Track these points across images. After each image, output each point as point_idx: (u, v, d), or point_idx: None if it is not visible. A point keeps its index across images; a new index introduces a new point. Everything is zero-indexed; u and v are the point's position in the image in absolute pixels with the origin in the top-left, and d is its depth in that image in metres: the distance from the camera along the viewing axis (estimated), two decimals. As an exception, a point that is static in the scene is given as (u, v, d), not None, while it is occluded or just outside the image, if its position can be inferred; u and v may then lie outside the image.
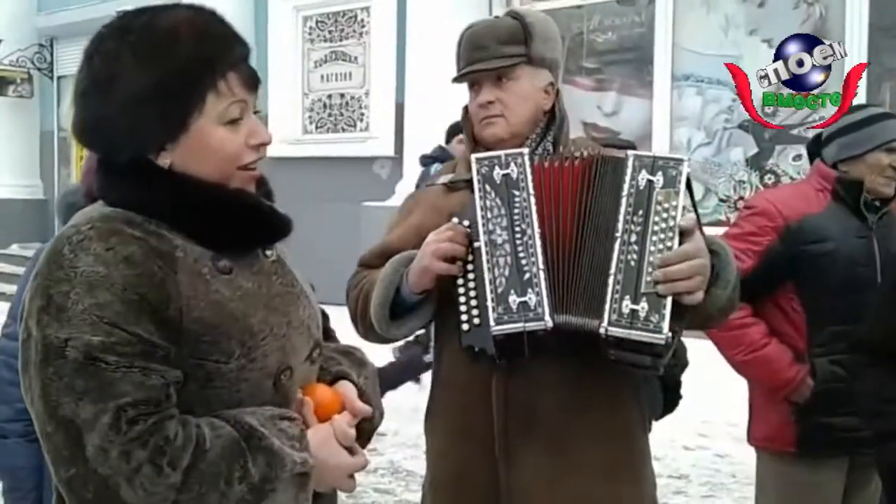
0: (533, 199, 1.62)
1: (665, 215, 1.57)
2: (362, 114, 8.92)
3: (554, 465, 1.70)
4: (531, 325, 1.53)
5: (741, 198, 6.79)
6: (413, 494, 4.02)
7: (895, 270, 1.96)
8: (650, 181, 1.60)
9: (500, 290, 1.55)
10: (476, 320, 1.58)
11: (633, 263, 1.54)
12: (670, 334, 1.49)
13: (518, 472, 1.70)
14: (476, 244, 1.60)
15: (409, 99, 8.09)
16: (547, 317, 1.53)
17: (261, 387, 1.23)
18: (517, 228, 1.60)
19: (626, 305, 1.51)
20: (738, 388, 2.60)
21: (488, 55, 1.80)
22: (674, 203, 1.58)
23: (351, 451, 1.31)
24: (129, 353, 1.10)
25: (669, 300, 1.51)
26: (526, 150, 1.68)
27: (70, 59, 12.98)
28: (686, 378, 2.13)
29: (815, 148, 2.48)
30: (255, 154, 1.26)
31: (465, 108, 1.90)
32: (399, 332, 1.76)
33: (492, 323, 1.53)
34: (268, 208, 1.30)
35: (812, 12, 6.56)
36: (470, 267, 1.61)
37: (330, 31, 9.14)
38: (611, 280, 1.54)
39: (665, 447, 4.39)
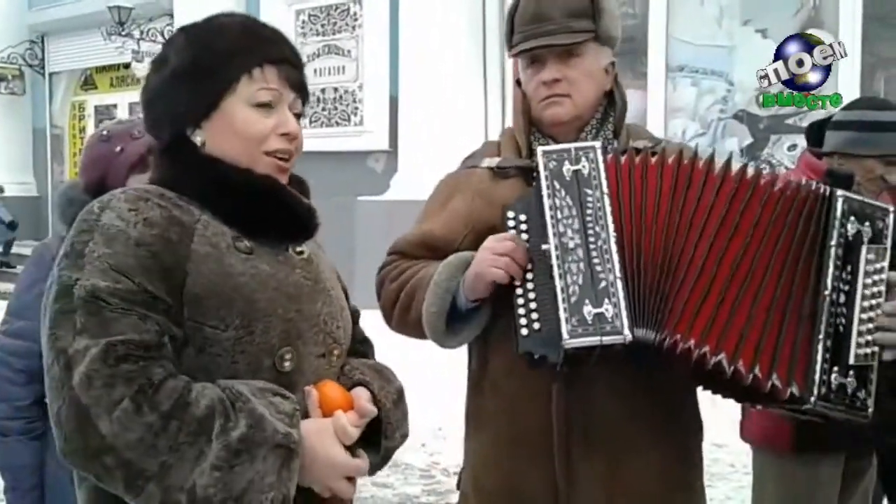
0: (607, 200, 1.48)
1: (876, 277, 1.46)
2: (356, 108, 8.89)
3: (614, 476, 1.61)
4: (609, 339, 1.42)
5: (736, 188, 6.80)
6: (412, 488, 4.03)
7: None
8: (860, 232, 1.46)
9: (573, 300, 1.43)
10: (536, 325, 1.48)
11: (841, 329, 1.44)
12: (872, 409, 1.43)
13: (579, 488, 1.62)
14: (544, 247, 1.47)
15: (403, 92, 8.06)
16: (626, 330, 1.42)
17: (259, 363, 1.23)
18: (590, 231, 1.46)
19: (836, 379, 1.42)
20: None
21: (555, 29, 1.63)
22: (883, 264, 1.46)
23: (351, 452, 1.27)
24: (130, 299, 1.15)
25: (875, 373, 1.44)
26: (598, 144, 1.54)
27: (61, 56, 12.93)
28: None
29: (818, 132, 2.43)
30: (282, 142, 1.30)
31: (518, 83, 1.73)
32: (453, 342, 1.64)
33: (565, 335, 1.41)
34: (288, 196, 1.32)
35: (806, 2, 6.55)
36: (528, 266, 1.50)
37: (322, 25, 9.10)
38: (820, 347, 1.43)
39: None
